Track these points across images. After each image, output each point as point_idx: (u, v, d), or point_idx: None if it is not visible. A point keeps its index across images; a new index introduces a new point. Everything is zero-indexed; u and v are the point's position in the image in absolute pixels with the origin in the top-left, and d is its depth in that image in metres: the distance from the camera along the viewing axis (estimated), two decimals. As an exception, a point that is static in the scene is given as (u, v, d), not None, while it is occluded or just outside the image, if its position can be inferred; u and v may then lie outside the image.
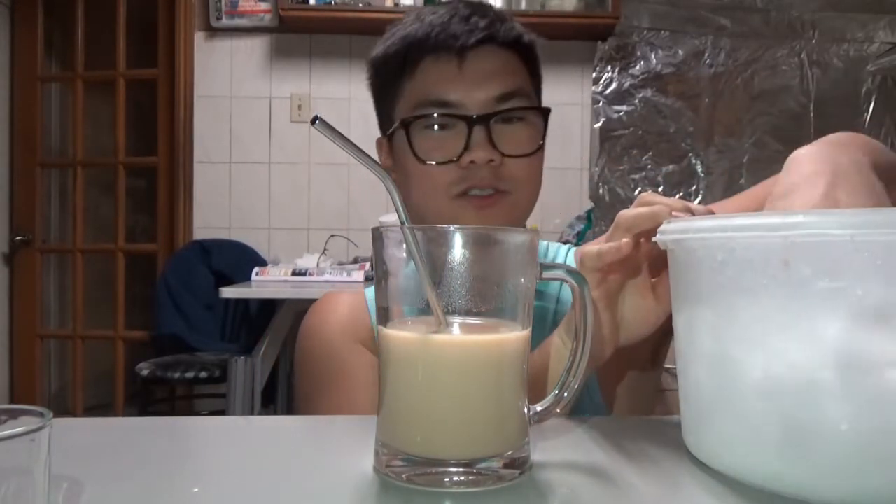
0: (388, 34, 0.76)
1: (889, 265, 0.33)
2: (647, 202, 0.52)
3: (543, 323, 0.76)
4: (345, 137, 0.40)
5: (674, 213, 0.50)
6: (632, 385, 0.71)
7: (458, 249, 0.40)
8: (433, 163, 0.70)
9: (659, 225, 0.47)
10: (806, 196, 0.47)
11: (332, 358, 0.77)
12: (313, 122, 0.41)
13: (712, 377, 0.42)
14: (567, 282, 0.44)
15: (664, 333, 0.58)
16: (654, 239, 0.48)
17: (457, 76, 0.70)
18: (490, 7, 0.75)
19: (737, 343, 0.39)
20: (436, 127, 0.71)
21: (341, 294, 0.84)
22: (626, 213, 0.52)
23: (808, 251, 0.35)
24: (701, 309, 0.43)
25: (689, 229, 0.42)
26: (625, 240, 0.50)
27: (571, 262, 0.83)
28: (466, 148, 0.69)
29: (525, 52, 0.74)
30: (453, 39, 0.70)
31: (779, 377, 0.37)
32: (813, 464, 0.37)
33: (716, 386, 0.42)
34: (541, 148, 0.73)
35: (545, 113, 0.74)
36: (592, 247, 0.52)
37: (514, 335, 0.41)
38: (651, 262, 0.55)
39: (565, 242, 0.96)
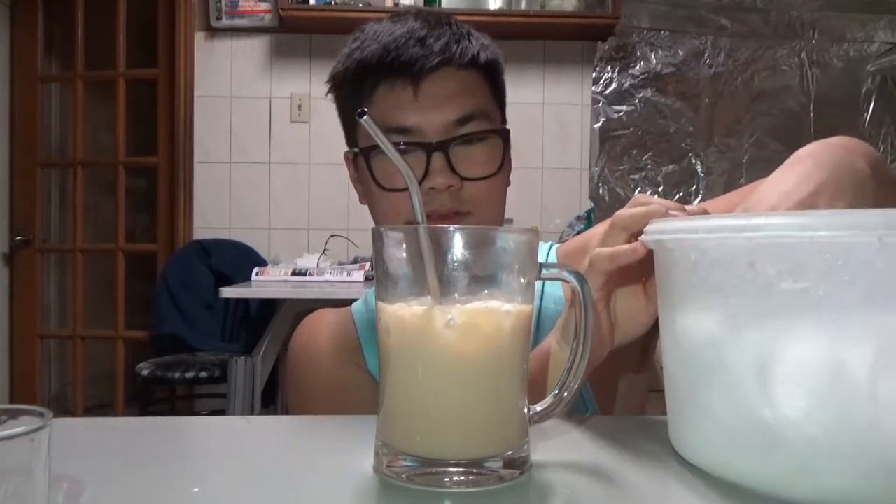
0: (346, 50, 0.74)
1: (849, 266, 0.34)
2: (642, 203, 0.52)
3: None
4: (383, 135, 0.44)
5: (670, 211, 0.50)
6: (624, 387, 0.71)
7: (458, 249, 0.40)
8: (394, 189, 0.70)
9: None
10: (784, 196, 0.47)
11: (324, 376, 0.77)
12: (360, 115, 0.43)
13: (688, 376, 0.43)
14: (567, 282, 0.43)
15: (650, 334, 0.57)
16: (640, 238, 0.48)
17: (412, 102, 0.69)
18: (448, 23, 0.73)
19: (709, 342, 0.40)
20: None
21: (328, 312, 0.84)
22: (622, 213, 0.51)
23: (772, 252, 0.36)
24: (678, 308, 0.43)
25: (666, 230, 0.43)
26: (640, 242, 0.49)
27: (553, 259, 0.82)
28: (426, 175, 0.68)
29: (484, 68, 0.73)
30: (408, 66, 0.68)
31: (747, 376, 0.37)
32: (782, 461, 0.37)
33: (691, 384, 0.42)
34: (502, 167, 0.72)
35: (505, 134, 0.73)
36: (604, 250, 0.51)
37: (513, 334, 0.41)
38: (640, 262, 0.55)
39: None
